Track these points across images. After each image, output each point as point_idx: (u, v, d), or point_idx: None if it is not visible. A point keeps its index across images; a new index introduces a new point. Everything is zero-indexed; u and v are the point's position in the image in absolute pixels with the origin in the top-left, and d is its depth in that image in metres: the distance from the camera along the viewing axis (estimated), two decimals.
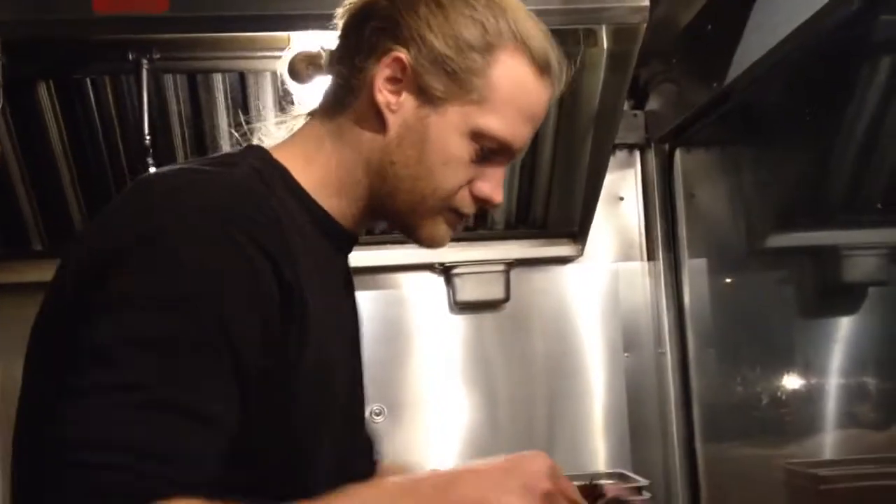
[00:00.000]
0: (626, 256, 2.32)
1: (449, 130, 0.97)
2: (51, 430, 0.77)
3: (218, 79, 2.04)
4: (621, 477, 2.15)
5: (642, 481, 2.04)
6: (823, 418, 2.24)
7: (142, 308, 0.80)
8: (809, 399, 2.24)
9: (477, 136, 0.98)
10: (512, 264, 2.25)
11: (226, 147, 2.11)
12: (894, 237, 2.25)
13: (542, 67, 0.99)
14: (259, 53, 2.01)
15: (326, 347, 0.94)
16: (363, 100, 0.98)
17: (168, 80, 1.99)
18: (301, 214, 0.98)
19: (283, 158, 1.00)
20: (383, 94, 0.97)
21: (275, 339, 0.86)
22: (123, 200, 0.91)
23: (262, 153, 1.00)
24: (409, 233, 1.03)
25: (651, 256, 2.32)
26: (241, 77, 2.05)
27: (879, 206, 2.14)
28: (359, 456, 1.10)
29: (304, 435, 0.93)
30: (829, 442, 2.20)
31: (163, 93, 2.00)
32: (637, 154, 2.29)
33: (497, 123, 0.97)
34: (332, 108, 1.02)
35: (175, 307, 0.80)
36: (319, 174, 1.00)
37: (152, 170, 1.96)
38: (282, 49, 2.04)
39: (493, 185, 1.01)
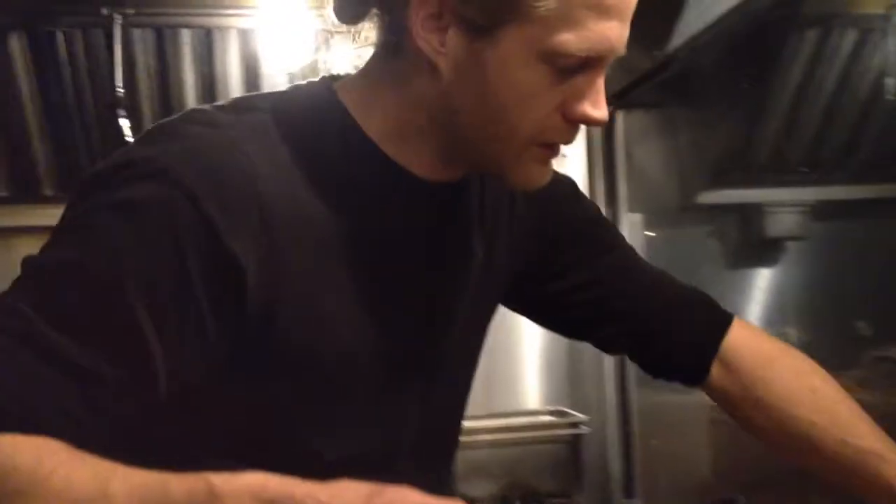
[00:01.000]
0: None
1: (511, 61, 0.79)
2: None
3: (185, 35, 2.11)
4: (560, 414, 2.33)
5: (580, 417, 2.22)
6: None
7: (63, 247, 0.78)
8: None
9: (548, 57, 0.78)
10: None
11: (190, 102, 2.19)
12: (812, 196, 2.46)
13: None
14: (226, 11, 2.09)
15: (317, 322, 0.84)
16: (409, 45, 0.82)
17: (136, 34, 2.06)
18: (348, 167, 0.86)
19: (348, 98, 0.87)
20: (424, 38, 0.80)
21: (197, 307, 0.78)
22: None
23: (322, 92, 0.88)
24: (500, 179, 0.89)
25: None
26: (208, 34, 2.12)
27: (805, 169, 2.34)
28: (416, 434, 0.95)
29: (281, 412, 0.84)
30: None
31: (131, 47, 2.07)
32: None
33: (568, 37, 0.77)
34: (384, 50, 0.86)
35: (91, 259, 0.76)
36: (378, 120, 0.86)
37: (123, 121, 2.05)
38: (248, 7, 2.13)
39: (591, 102, 0.82)
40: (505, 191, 0.97)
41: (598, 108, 0.82)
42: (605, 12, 0.78)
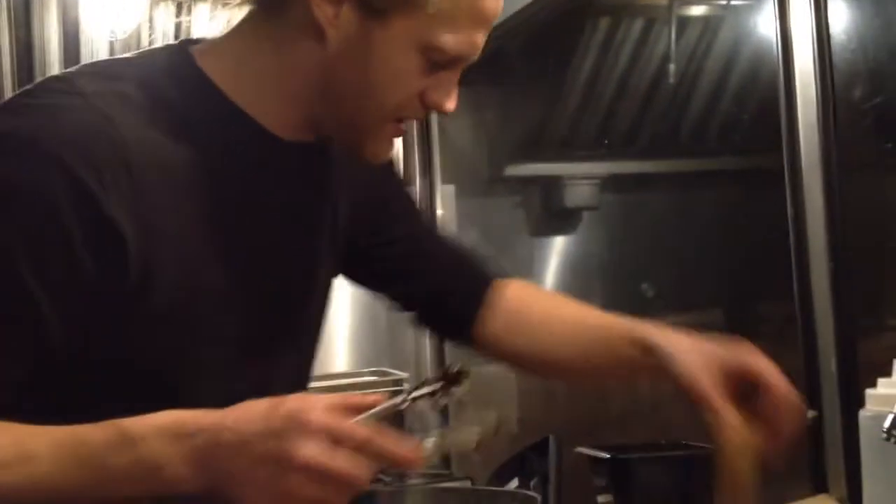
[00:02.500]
0: None
1: (396, 46, 0.87)
2: None
3: None
4: (382, 374, 2.46)
5: (402, 374, 2.37)
6: None
7: None
8: None
9: (426, 50, 0.87)
10: None
11: (6, 67, 2.14)
12: (604, 170, 2.72)
13: None
14: None
15: (191, 281, 0.88)
16: (300, 10, 0.87)
17: None
18: (215, 133, 0.90)
19: (210, 62, 0.91)
20: (321, 9, 0.85)
21: (86, 276, 0.82)
22: None
23: (181, 58, 0.92)
24: (351, 148, 0.96)
25: (409, 182, 2.62)
26: None
27: (606, 141, 2.58)
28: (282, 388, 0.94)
29: (162, 371, 0.89)
30: None
31: None
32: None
33: (448, 37, 0.87)
34: (268, 8, 0.90)
35: None
36: (251, 80, 0.91)
37: None
38: None
39: (446, 94, 0.91)
40: (343, 155, 1.02)
41: (451, 101, 0.92)
42: (479, 22, 0.88)
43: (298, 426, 0.75)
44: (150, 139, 0.85)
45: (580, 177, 2.69)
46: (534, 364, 1.17)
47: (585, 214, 2.78)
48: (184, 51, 0.93)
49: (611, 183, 2.70)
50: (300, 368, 1.05)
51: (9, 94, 2.01)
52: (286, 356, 1.01)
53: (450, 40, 0.87)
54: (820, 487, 1.36)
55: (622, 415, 2.19)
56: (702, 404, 0.93)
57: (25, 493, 0.77)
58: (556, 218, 2.74)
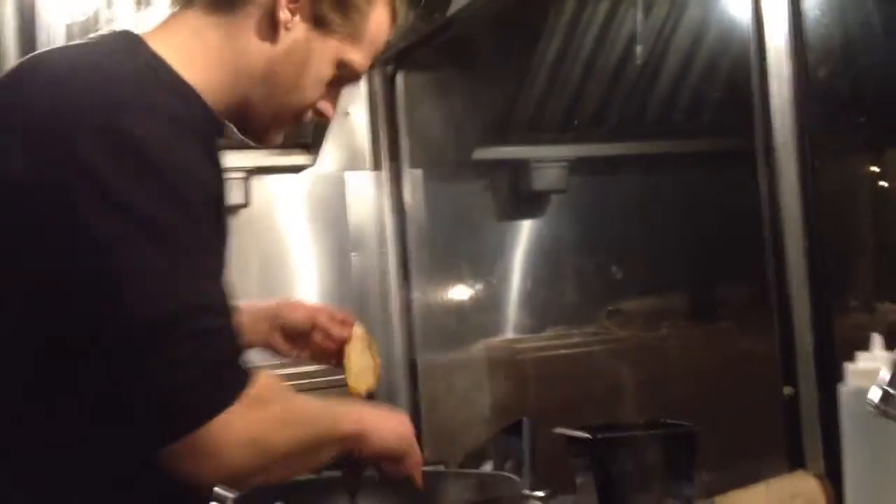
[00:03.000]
0: (354, 166, 2.58)
1: (326, 58, 1.07)
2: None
3: None
4: None
5: None
6: (517, 300, 2.68)
7: (138, 207, 0.90)
8: (506, 285, 2.67)
9: (342, 66, 1.08)
10: (252, 172, 2.43)
11: None
12: (572, 153, 2.71)
13: (396, 12, 1.12)
14: None
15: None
16: (259, 9, 1.03)
17: None
18: (191, 111, 1.01)
19: (161, 51, 1.02)
20: (285, 12, 1.02)
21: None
22: (44, 97, 0.94)
23: (139, 45, 1.02)
24: (254, 134, 1.12)
25: (376, 166, 2.59)
26: None
27: (576, 122, 2.57)
28: None
29: None
30: (519, 320, 2.66)
31: None
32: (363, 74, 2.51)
33: (361, 59, 1.09)
34: (219, 4, 1.04)
35: (162, 200, 0.91)
36: (200, 70, 1.03)
37: None
38: None
39: (332, 105, 1.14)
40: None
41: (333, 111, 1.14)
42: (379, 50, 1.12)
43: None
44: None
45: (548, 160, 2.68)
46: None
47: (554, 197, 2.77)
48: (134, 37, 1.03)
49: (579, 165, 2.69)
50: None
51: None
52: None
53: (361, 61, 1.10)
54: (797, 464, 1.37)
55: (593, 398, 2.19)
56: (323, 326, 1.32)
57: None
58: (525, 201, 2.73)
